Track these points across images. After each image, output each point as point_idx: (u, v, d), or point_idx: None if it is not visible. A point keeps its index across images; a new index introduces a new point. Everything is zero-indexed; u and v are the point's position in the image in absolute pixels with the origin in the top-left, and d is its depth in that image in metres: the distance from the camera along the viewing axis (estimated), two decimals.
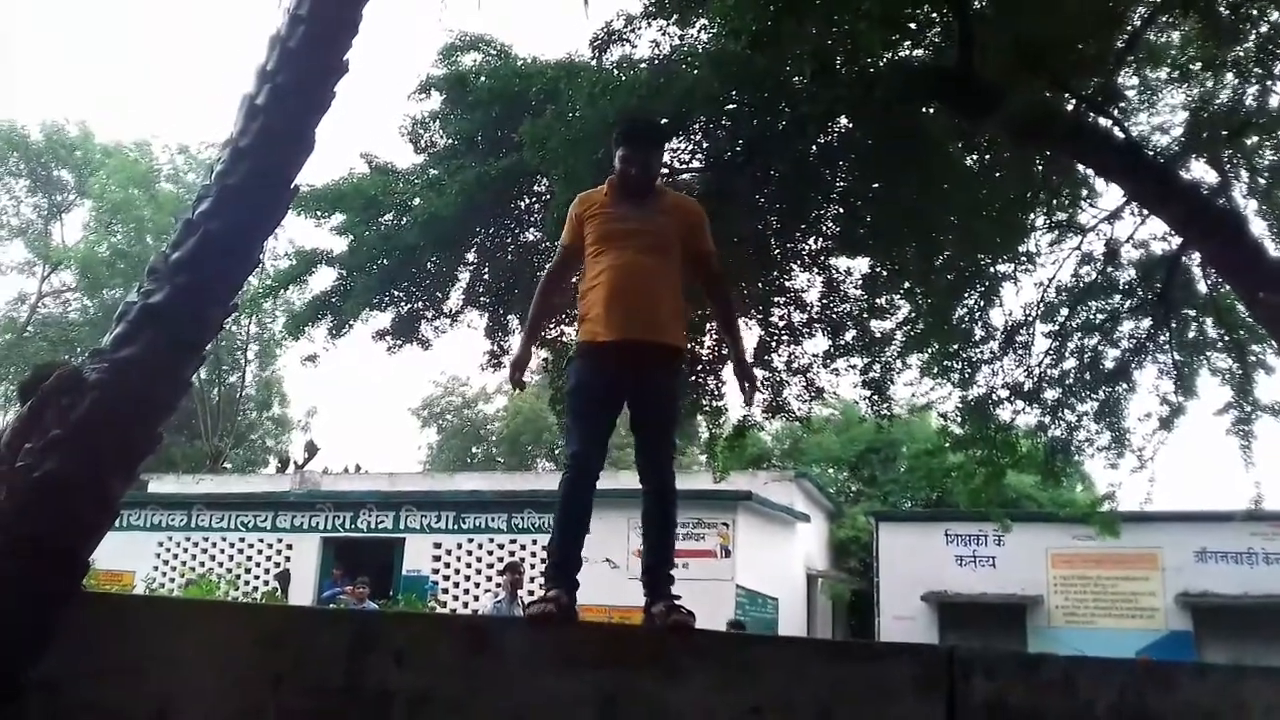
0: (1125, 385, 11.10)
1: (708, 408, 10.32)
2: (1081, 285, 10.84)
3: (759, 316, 9.87)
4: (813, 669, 4.02)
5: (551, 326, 9.53)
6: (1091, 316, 10.95)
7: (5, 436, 3.24)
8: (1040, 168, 9.60)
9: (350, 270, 9.35)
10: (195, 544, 21.88)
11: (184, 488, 24.60)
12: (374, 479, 24.98)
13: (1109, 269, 10.76)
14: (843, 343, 10.22)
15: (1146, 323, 10.89)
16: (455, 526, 20.86)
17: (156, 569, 20.88)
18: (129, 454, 3.06)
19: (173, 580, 20.39)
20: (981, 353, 10.91)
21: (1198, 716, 4.01)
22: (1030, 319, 10.96)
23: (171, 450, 32.19)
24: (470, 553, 20.42)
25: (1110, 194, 10.51)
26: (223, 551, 21.67)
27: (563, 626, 4.15)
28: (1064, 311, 10.96)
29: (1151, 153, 9.27)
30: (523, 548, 19.07)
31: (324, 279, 9.69)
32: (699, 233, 4.52)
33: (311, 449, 28.55)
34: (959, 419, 11.36)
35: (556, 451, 39.23)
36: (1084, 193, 10.31)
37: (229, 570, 20.72)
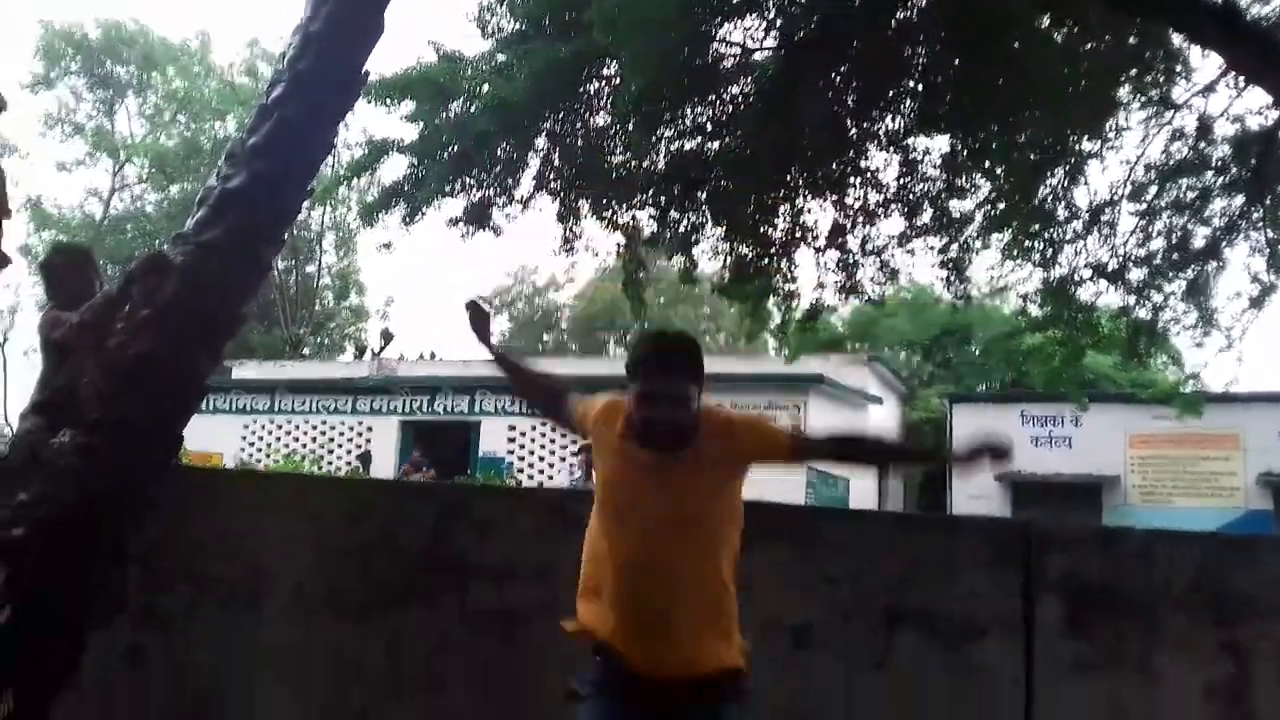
0: (1215, 264, 10.75)
1: (780, 291, 10.23)
2: (1172, 163, 10.42)
3: (834, 198, 9.68)
4: (887, 540, 4.06)
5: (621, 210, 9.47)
6: (1181, 194, 10.56)
7: (87, 317, 3.31)
8: (1133, 40, 9.15)
9: (421, 158, 9.34)
10: (279, 426, 22.60)
11: (266, 373, 25.29)
12: (449, 365, 25.38)
13: (1201, 145, 10.31)
14: (920, 223, 10.00)
15: (1239, 200, 10.47)
16: (529, 410, 21.17)
17: (243, 450, 21.64)
18: (214, 333, 3.14)
19: (259, 461, 21.13)
20: (1064, 233, 10.60)
21: None
22: (1117, 198, 10.60)
23: (251, 337, 33.03)
24: (544, 434, 20.79)
25: (1204, 68, 10.01)
26: (305, 434, 22.37)
27: None
28: (1152, 190, 10.58)
29: (1252, 21, 8.78)
30: None
31: (396, 167, 9.71)
32: (764, 444, 3.08)
33: (387, 336, 29.06)
34: (1039, 300, 11.13)
35: (628, 337, 39.50)
36: (1177, 66, 9.83)
37: (312, 452, 21.40)
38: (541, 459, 20.58)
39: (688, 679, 2.81)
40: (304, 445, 21.91)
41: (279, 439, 22.29)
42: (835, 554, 3.96)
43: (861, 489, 21.03)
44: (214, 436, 18.90)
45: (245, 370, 25.80)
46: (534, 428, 20.95)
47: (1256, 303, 10.81)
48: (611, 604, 2.85)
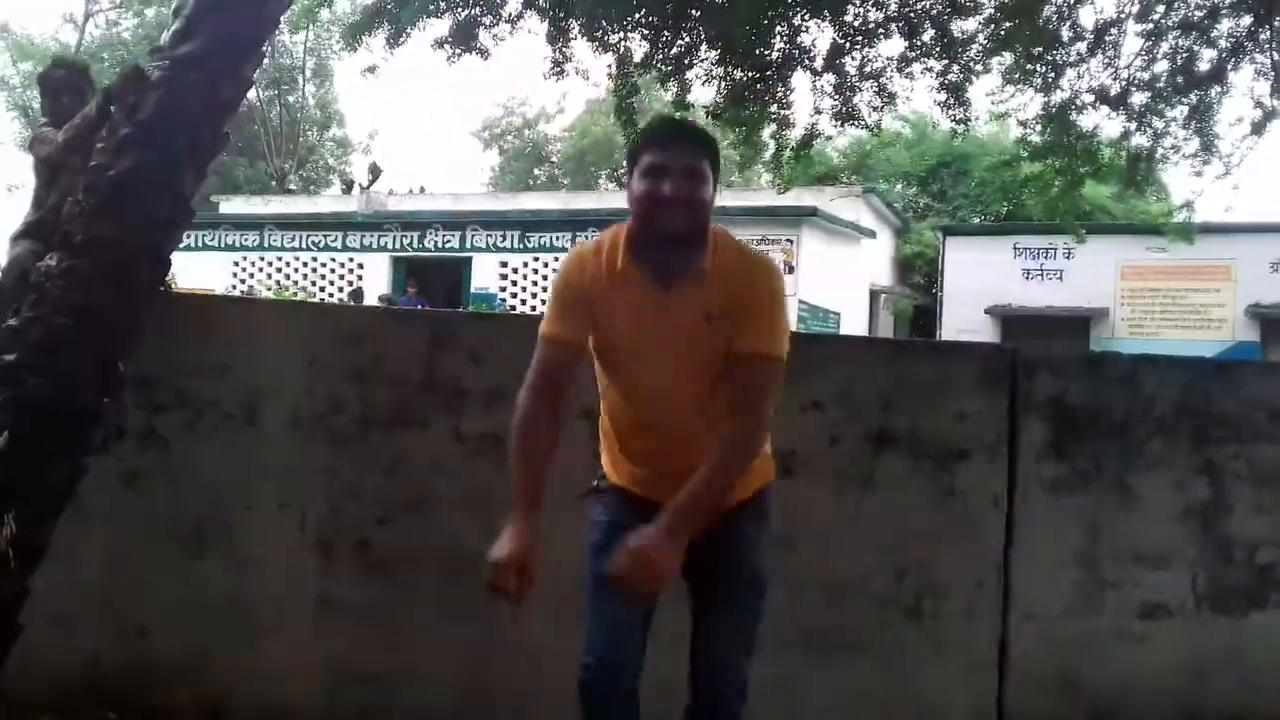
0: (1219, 88, 10.53)
1: (774, 115, 10.02)
2: None
3: (832, 17, 9.37)
4: (874, 365, 4.09)
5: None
6: (1190, 13, 10.24)
7: (69, 135, 3.24)
8: None
9: None
10: (269, 263, 22.50)
11: (253, 208, 25.02)
12: (438, 199, 25.12)
13: None
14: (920, 44, 9.72)
15: (1247, 20, 10.17)
16: (520, 245, 21.11)
17: (234, 287, 21.61)
18: (198, 150, 3.07)
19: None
20: (1068, 55, 10.33)
21: (1263, 411, 4.04)
22: (1123, 17, 10.28)
23: (235, 172, 32.49)
24: (535, 270, 20.75)
25: None
26: (296, 270, 22.30)
27: None
28: (1160, 9, 10.26)
29: None
30: None
31: None
32: (745, 322, 2.53)
33: (375, 170, 28.59)
34: (1039, 127, 10.94)
35: (619, 173, 38.98)
36: None
37: (303, 288, 21.39)
38: (534, 295, 20.59)
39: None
40: (294, 282, 21.86)
41: (269, 275, 22.22)
42: (823, 378, 3.99)
43: (852, 324, 21.16)
44: (204, 273, 18.85)
45: (232, 205, 25.52)
46: (525, 264, 20.89)
47: (1258, 128, 10.65)
48: (637, 462, 2.73)
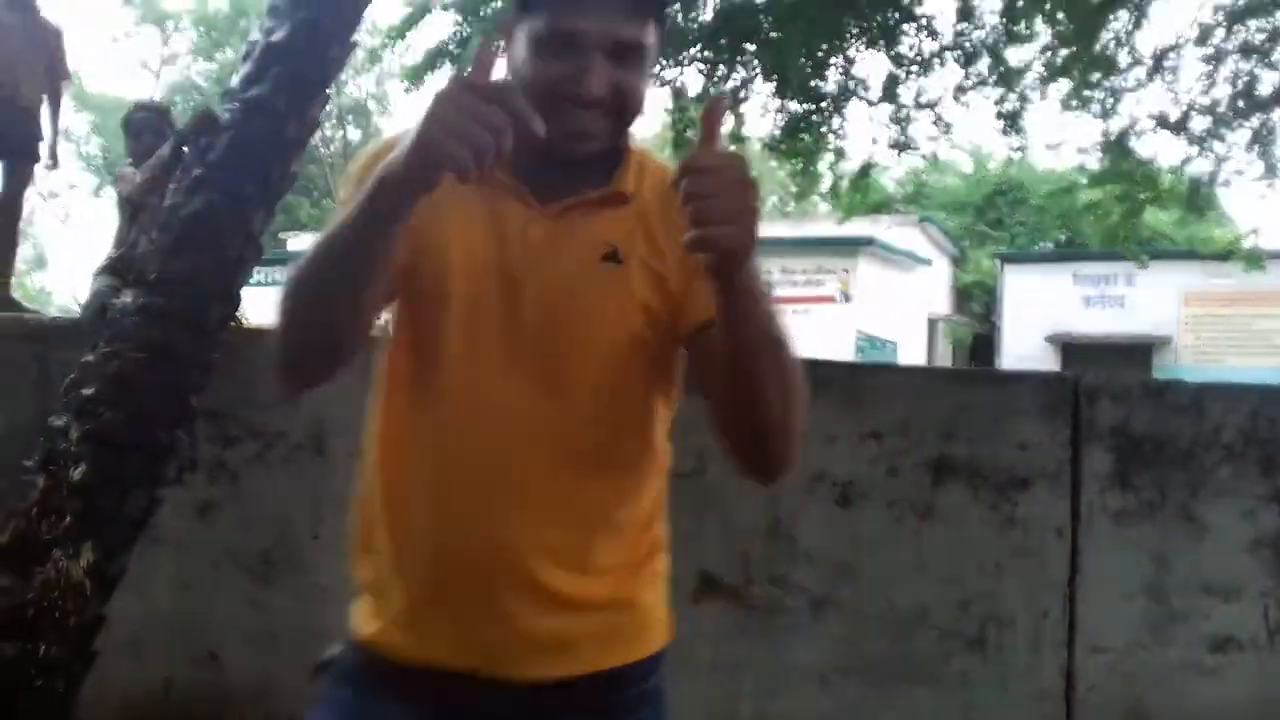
0: None
1: (830, 146, 10.04)
2: (1240, 2, 9.95)
3: (888, 48, 9.39)
4: (933, 394, 4.08)
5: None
6: (1250, 36, 10.11)
7: (144, 177, 3.39)
8: None
9: (466, 15, 9.17)
10: None
11: None
12: None
13: None
14: (976, 73, 9.70)
15: None
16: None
17: None
18: (267, 190, 3.17)
19: None
20: (1126, 81, 10.24)
21: None
22: (1181, 42, 10.17)
23: (300, 211, 33.16)
24: None
25: None
26: None
27: None
28: (1219, 33, 10.14)
29: None
30: None
31: (441, 28, 9.54)
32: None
33: None
34: (1098, 153, 10.83)
35: None
36: None
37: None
38: None
39: (561, 681, 1.40)
40: None
41: None
42: (882, 408, 3.99)
43: (910, 353, 20.99)
44: (270, 311, 19.19)
45: (299, 243, 26.03)
46: None
47: None
48: (421, 565, 1.44)
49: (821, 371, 4.19)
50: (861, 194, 11.26)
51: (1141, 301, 20.73)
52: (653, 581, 1.56)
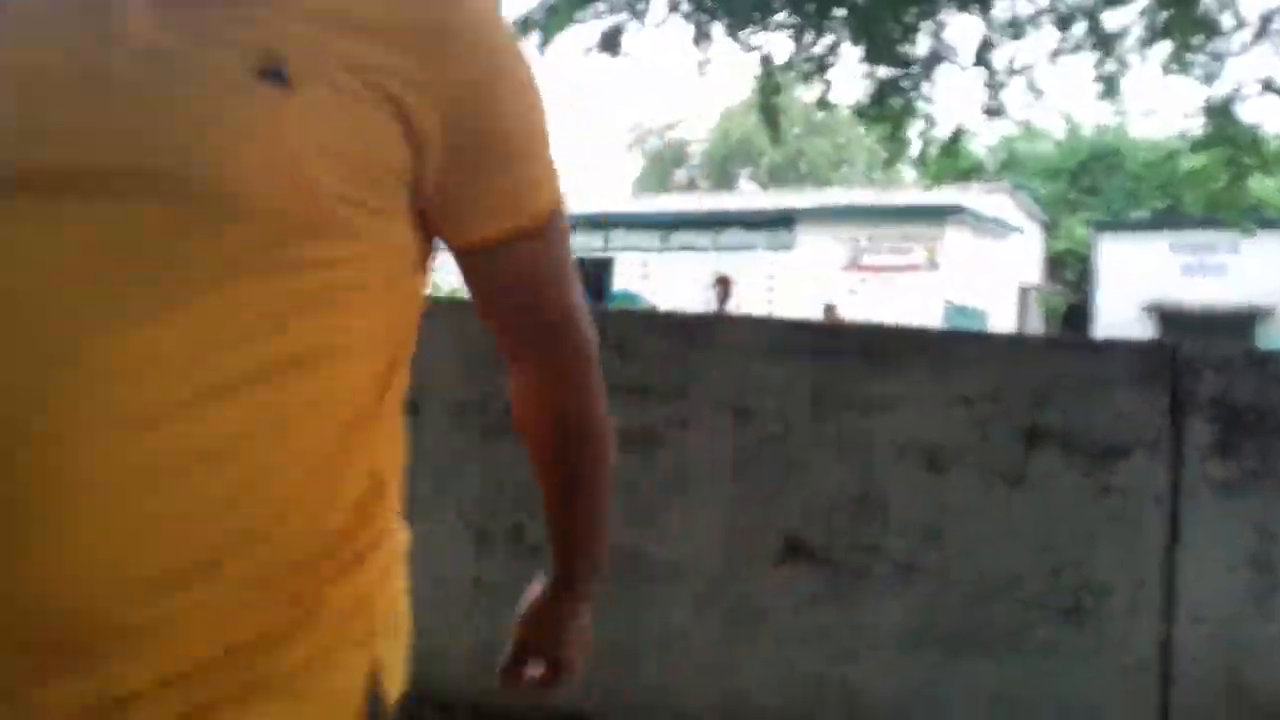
0: None
1: (920, 112, 9.87)
2: None
3: (980, 11, 9.17)
4: (1026, 361, 4.01)
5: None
6: None
7: None
8: None
9: None
10: None
11: None
12: (581, 202, 25.54)
13: None
14: (1072, 37, 9.42)
15: None
16: (662, 245, 21.27)
17: None
18: None
19: None
20: (1229, 44, 9.86)
21: None
22: None
23: None
24: (677, 270, 20.87)
25: None
26: (445, 277, 22.99)
27: (776, 321, 4.27)
28: None
29: None
30: (728, 265, 19.27)
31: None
32: (484, 142, 0.90)
33: None
34: (1201, 119, 10.47)
35: (760, 173, 38.87)
36: None
37: (455, 292, 22.02)
38: (674, 294, 20.72)
39: None
40: (447, 287, 22.53)
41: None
42: (971, 375, 3.94)
43: (1000, 323, 20.59)
44: None
45: None
46: (667, 264, 21.03)
47: None
48: None
49: (911, 338, 4.16)
50: (951, 161, 11.06)
51: (1244, 270, 19.99)
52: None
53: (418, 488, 3.81)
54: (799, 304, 15.82)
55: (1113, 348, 4.54)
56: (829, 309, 13.19)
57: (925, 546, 3.83)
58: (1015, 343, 4.85)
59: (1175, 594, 3.84)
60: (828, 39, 9.26)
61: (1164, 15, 9.36)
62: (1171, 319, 20.59)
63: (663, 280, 21.05)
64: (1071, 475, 3.87)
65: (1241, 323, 20.07)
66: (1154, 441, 3.91)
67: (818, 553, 3.82)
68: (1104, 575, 3.83)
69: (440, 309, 4.37)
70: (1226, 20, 9.69)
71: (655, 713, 3.73)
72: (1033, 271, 24.05)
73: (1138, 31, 9.61)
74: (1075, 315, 23.28)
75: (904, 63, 9.35)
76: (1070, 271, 24.76)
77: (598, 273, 21.67)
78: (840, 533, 3.84)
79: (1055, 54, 9.55)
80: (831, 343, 3.97)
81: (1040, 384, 3.94)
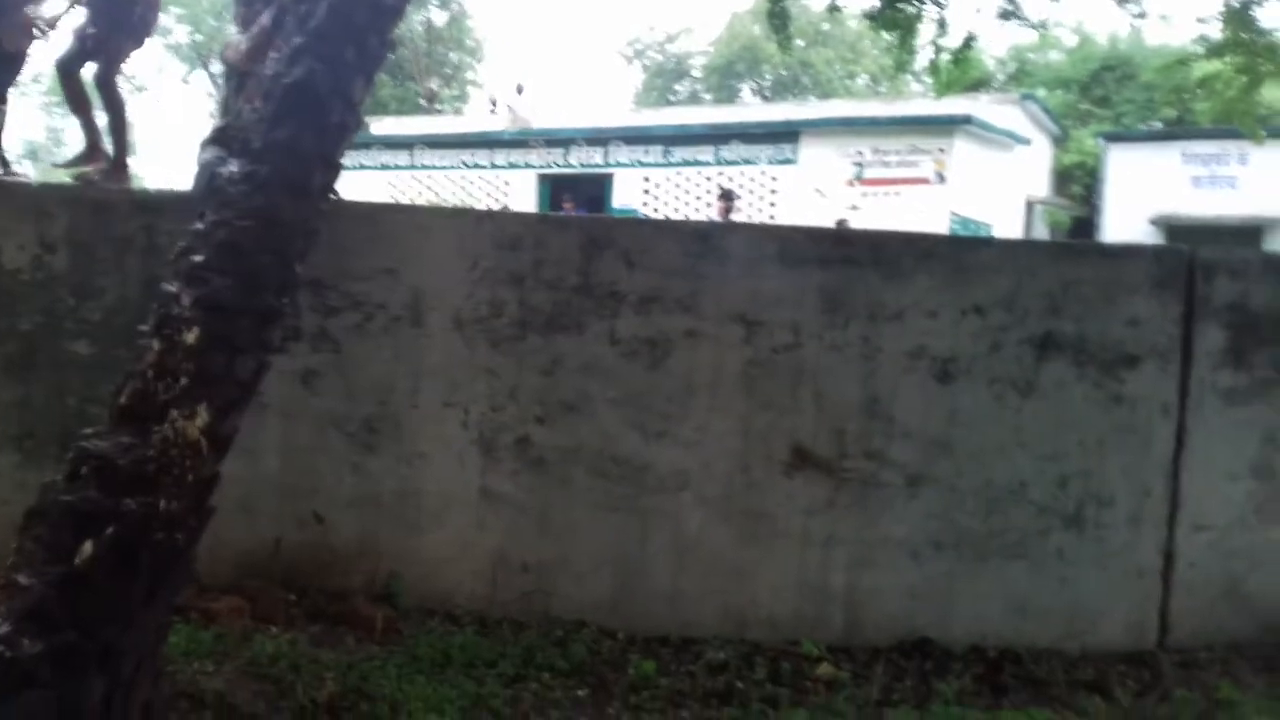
0: None
1: (931, 17, 9.63)
2: None
3: None
4: (1040, 269, 3.95)
5: None
6: None
7: (248, 46, 3.39)
8: None
9: None
10: (420, 182, 23.03)
11: (404, 129, 25.56)
12: (582, 117, 25.15)
13: None
14: None
15: None
16: (663, 160, 21.01)
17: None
18: (365, 58, 3.14)
19: None
20: None
21: None
22: None
23: (383, 92, 33.18)
24: (678, 185, 20.64)
25: None
26: (445, 188, 22.78)
27: (786, 229, 4.21)
28: None
29: None
30: (730, 180, 19.06)
31: None
32: None
33: (520, 89, 28.80)
34: (1219, 24, 10.24)
35: (765, 85, 38.28)
36: None
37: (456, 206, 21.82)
38: (676, 210, 20.51)
39: None
40: (445, 200, 22.32)
41: (421, 194, 22.75)
42: (986, 283, 3.89)
43: (1006, 236, 20.41)
44: (360, 193, 19.40)
45: (384, 126, 26.13)
46: (668, 178, 20.80)
47: None
48: None
49: (923, 245, 4.10)
50: (962, 69, 10.83)
51: (1255, 182, 19.74)
52: None
53: (424, 400, 3.79)
54: (803, 219, 15.65)
55: (1128, 253, 4.48)
56: (840, 224, 13.06)
57: (934, 456, 3.83)
58: (1030, 249, 4.77)
59: (1179, 502, 3.86)
60: None
61: None
62: (1180, 232, 20.38)
63: (664, 196, 20.83)
64: (1082, 385, 3.85)
65: (1250, 235, 19.88)
66: (1165, 350, 3.88)
67: (828, 462, 3.82)
68: (1111, 484, 3.84)
69: (440, 220, 4.33)
70: None
71: (666, 621, 3.76)
72: (1040, 185, 23.78)
73: None
74: (1082, 229, 23.06)
75: None
76: (1079, 185, 24.46)
77: (597, 189, 21.44)
78: (850, 442, 3.84)
79: None
80: (842, 251, 3.91)
81: (1054, 292, 3.90)
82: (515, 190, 21.92)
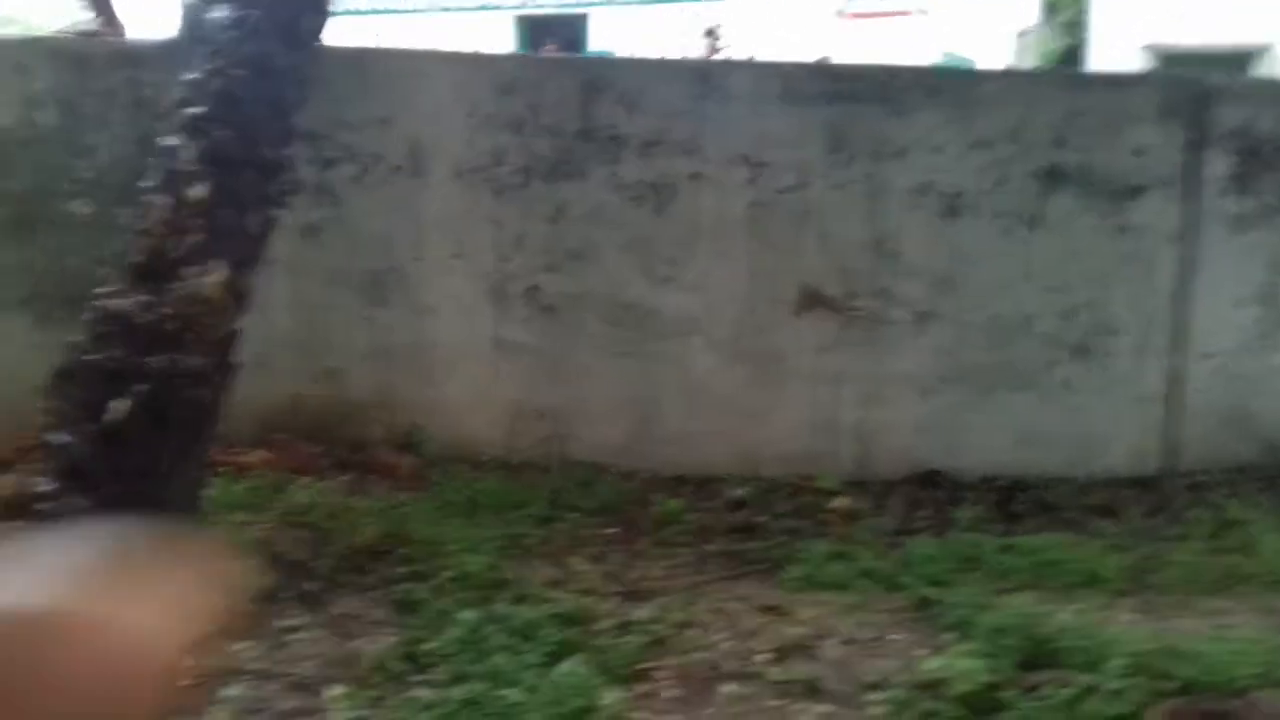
0: None
1: None
2: None
3: None
4: (1046, 99, 3.90)
5: None
6: None
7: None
8: None
9: None
10: (398, 26, 22.33)
11: None
12: None
13: None
14: None
15: None
16: None
17: None
18: None
19: None
20: None
21: None
22: None
23: None
24: (660, 24, 20.07)
25: None
26: (424, 32, 22.11)
27: (790, 66, 4.12)
28: None
29: None
30: (714, 19, 18.51)
31: None
32: None
33: None
34: None
35: None
36: None
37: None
38: (656, 53, 20.02)
39: None
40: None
41: (397, 38, 22.09)
42: (991, 116, 3.84)
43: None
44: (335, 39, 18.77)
45: None
46: (648, 17, 20.22)
47: None
48: None
49: (928, 79, 4.02)
50: None
51: (1243, 7, 19.34)
52: None
53: (429, 252, 3.77)
54: (787, 56, 15.30)
55: (1134, 82, 4.42)
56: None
57: (942, 292, 3.84)
58: (1035, 80, 4.68)
59: (1185, 330, 3.90)
60: None
61: None
62: (1171, 60, 20.07)
63: (644, 36, 20.27)
64: (1089, 216, 3.85)
65: (1240, 61, 19.58)
66: (1170, 179, 3.87)
67: (835, 302, 3.84)
68: (1117, 314, 3.87)
69: (435, 65, 4.21)
70: None
71: (682, 461, 3.84)
72: (1030, 15, 23.23)
73: None
74: (1071, 59, 22.66)
75: None
76: (1067, 11, 23.90)
77: (572, 31, 20.82)
78: (857, 281, 3.85)
79: None
80: (847, 86, 3.84)
81: (1059, 122, 3.85)
82: (493, 35, 21.31)
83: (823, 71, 4.25)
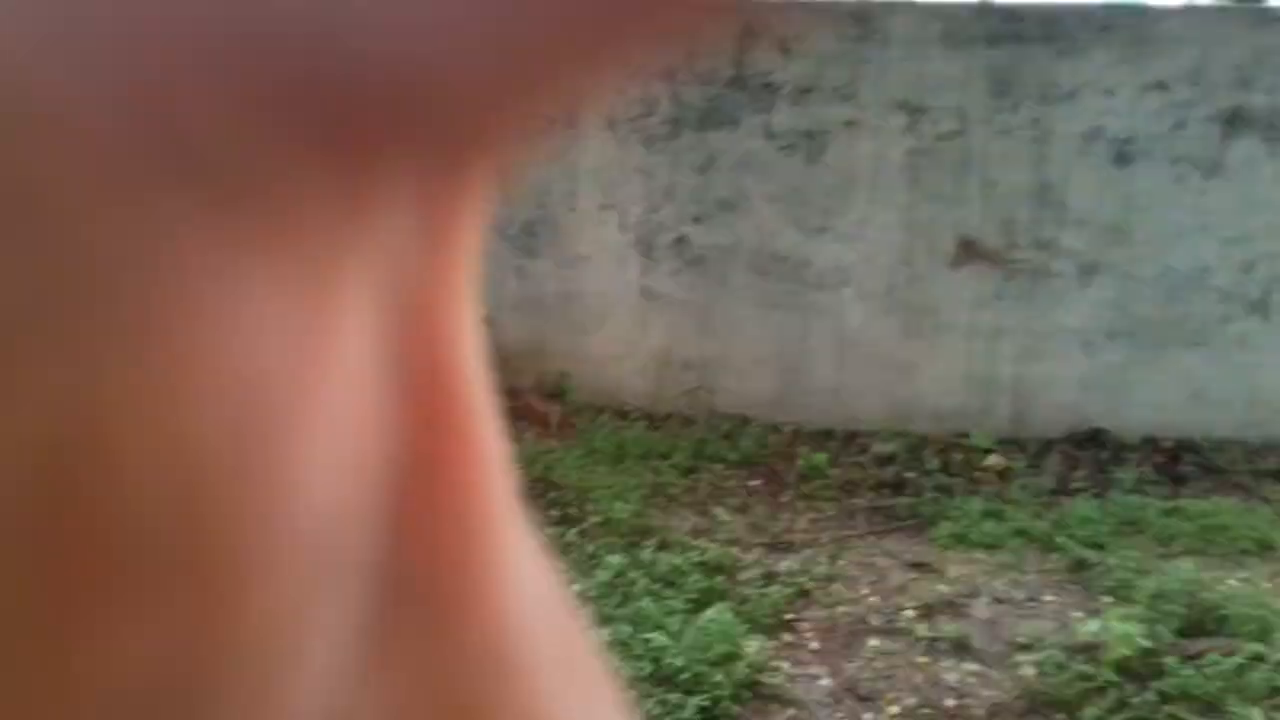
0: None
1: None
2: None
3: None
4: (1229, 38, 3.65)
5: None
6: None
7: None
8: None
9: None
10: None
11: None
12: None
13: None
14: None
15: None
16: None
17: None
18: None
19: None
20: None
21: None
22: None
23: None
24: None
25: None
26: None
27: (952, 6, 3.97)
28: None
29: None
30: None
31: None
32: None
33: None
34: None
35: None
36: None
37: None
38: None
39: None
40: None
41: None
42: (1169, 55, 3.62)
43: None
44: None
45: None
46: None
47: None
48: None
49: (1099, 17, 3.81)
50: None
51: None
52: None
53: (581, 203, 3.81)
54: None
55: None
56: None
57: (1110, 243, 3.67)
58: (1218, 17, 4.39)
59: None
60: None
61: None
62: None
63: None
64: (1273, 164, 3.60)
65: None
66: None
67: (995, 253, 3.71)
68: None
69: None
70: None
71: (829, 415, 3.80)
72: None
73: None
74: None
75: None
76: None
77: None
78: (1020, 231, 3.71)
79: None
80: (1012, 27, 3.68)
81: (1244, 62, 3.61)
82: None
83: (986, 11, 4.08)
